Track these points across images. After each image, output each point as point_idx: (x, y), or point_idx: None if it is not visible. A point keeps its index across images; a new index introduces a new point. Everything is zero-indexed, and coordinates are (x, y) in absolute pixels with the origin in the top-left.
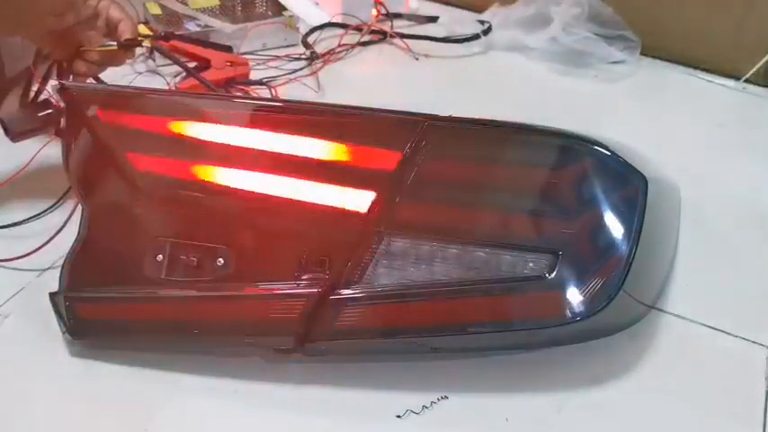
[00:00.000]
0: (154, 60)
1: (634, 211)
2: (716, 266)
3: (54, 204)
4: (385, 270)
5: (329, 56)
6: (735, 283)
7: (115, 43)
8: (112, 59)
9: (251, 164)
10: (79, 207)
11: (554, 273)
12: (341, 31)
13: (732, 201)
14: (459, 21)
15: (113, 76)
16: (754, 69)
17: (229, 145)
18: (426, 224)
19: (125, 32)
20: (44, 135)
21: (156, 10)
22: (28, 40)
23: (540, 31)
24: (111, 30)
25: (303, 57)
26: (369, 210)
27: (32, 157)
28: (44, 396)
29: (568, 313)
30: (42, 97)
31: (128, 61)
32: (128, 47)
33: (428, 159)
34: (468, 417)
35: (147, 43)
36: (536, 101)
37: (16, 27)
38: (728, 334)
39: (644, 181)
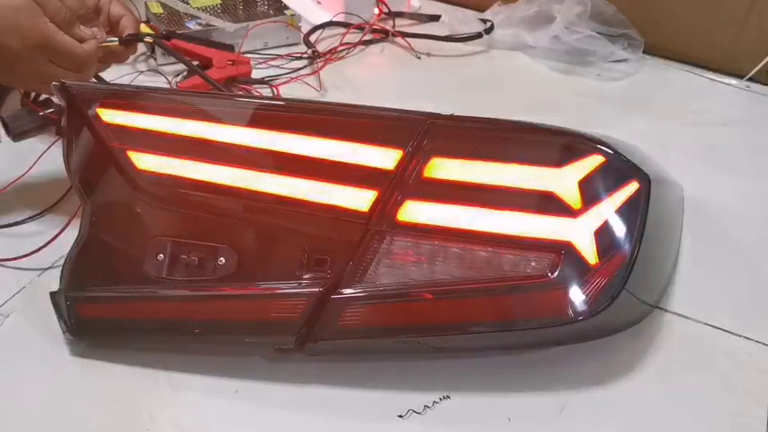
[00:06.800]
0: (155, 59)
1: (637, 211)
2: (719, 266)
3: (55, 203)
4: (386, 269)
5: (331, 55)
6: (738, 282)
7: (117, 40)
8: (114, 56)
9: (252, 163)
10: (80, 206)
11: (556, 272)
12: (343, 29)
13: (735, 200)
14: (461, 19)
15: (114, 74)
16: (758, 68)
17: (231, 144)
18: (428, 223)
19: (127, 28)
20: (44, 134)
21: (157, 9)
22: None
23: (543, 29)
24: (113, 26)
25: (305, 56)
26: (370, 209)
27: (37, 159)
28: (44, 395)
29: (571, 313)
30: (43, 96)
31: (129, 60)
32: (129, 43)
33: (430, 158)
34: (470, 416)
35: (148, 39)
36: (538, 100)
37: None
38: (731, 333)
39: (647, 180)
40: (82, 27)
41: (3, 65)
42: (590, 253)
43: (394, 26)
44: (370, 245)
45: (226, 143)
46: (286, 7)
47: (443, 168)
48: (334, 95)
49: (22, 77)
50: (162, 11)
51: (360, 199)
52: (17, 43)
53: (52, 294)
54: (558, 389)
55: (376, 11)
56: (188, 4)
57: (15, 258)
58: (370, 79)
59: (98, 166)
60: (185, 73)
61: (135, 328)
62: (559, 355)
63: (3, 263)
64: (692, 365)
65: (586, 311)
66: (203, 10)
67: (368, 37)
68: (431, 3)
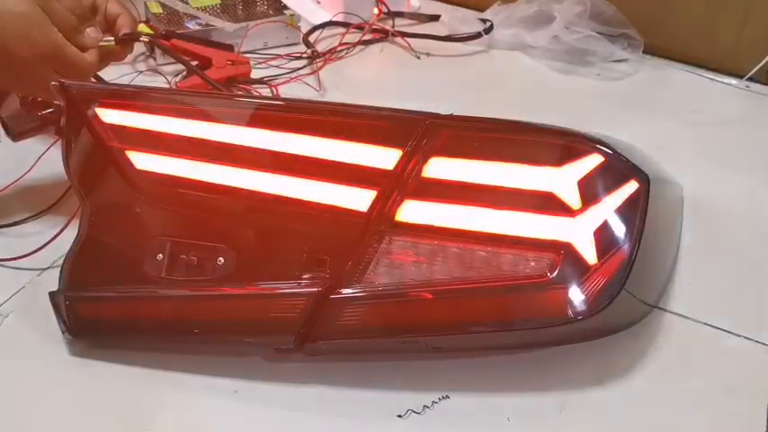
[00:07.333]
0: (154, 59)
1: (636, 210)
2: (718, 265)
3: (54, 203)
4: (386, 269)
5: (330, 55)
6: (737, 282)
7: (113, 39)
8: (112, 56)
9: (252, 163)
10: (80, 206)
11: (556, 272)
12: (342, 29)
13: (734, 199)
14: (460, 19)
15: (113, 74)
16: (758, 68)
17: (230, 144)
18: (427, 223)
19: (123, 27)
20: (44, 135)
21: (156, 9)
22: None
23: (542, 29)
24: (109, 25)
25: (304, 56)
26: (369, 209)
27: (37, 159)
28: (44, 395)
29: (570, 312)
30: None
31: (128, 60)
32: (126, 42)
33: (429, 158)
34: (469, 416)
35: (144, 38)
36: (538, 99)
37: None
38: (731, 333)
39: (646, 180)
40: (86, 31)
41: (9, 73)
42: (589, 253)
43: (393, 26)
44: (370, 244)
45: (225, 143)
46: (285, 7)
47: (443, 168)
48: (334, 95)
49: (24, 84)
50: (161, 11)
51: (359, 199)
52: (26, 52)
53: (51, 294)
54: (557, 389)
55: (375, 11)
56: (187, 3)
57: (15, 258)
58: (370, 79)
59: (97, 165)
60: (185, 73)
61: (134, 329)
62: (559, 354)
63: (3, 263)
64: (692, 365)
65: (586, 311)
66: (203, 10)
67: (367, 37)
68: (430, 3)
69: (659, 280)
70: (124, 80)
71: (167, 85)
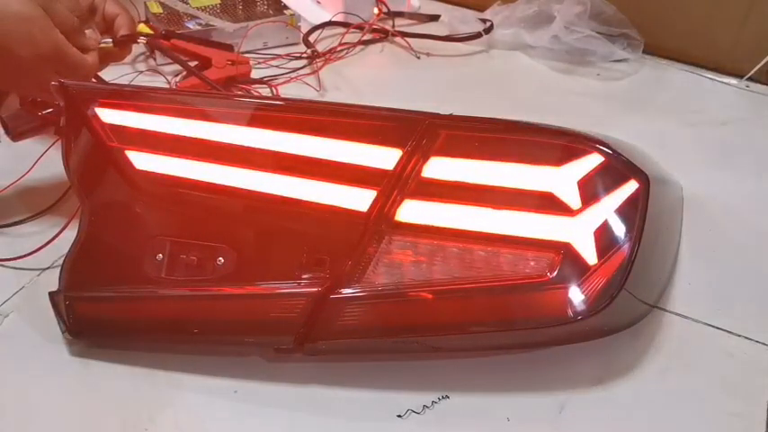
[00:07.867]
0: (154, 59)
1: (636, 210)
2: (718, 265)
3: (54, 203)
4: (385, 269)
5: (330, 55)
6: (737, 282)
7: (111, 40)
8: (110, 57)
9: (251, 163)
10: (80, 206)
11: (555, 272)
12: (342, 29)
13: (734, 199)
14: (460, 19)
15: (113, 74)
16: (758, 68)
17: (230, 144)
18: (427, 223)
19: (122, 28)
20: (44, 135)
21: (156, 8)
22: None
23: (542, 29)
24: (108, 25)
25: (304, 55)
26: (369, 209)
27: (37, 159)
28: (44, 395)
29: (570, 312)
30: None
31: (128, 60)
32: (124, 43)
33: (429, 158)
34: (469, 416)
35: (142, 39)
36: (538, 99)
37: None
38: (731, 333)
39: (646, 180)
40: (86, 32)
41: (10, 73)
42: (589, 253)
43: (393, 26)
44: (370, 244)
45: (225, 143)
46: (286, 7)
47: (442, 168)
48: (334, 95)
49: (24, 84)
50: (161, 11)
51: (359, 199)
52: (27, 53)
53: (51, 294)
54: (557, 389)
55: (375, 11)
56: (187, 3)
57: (15, 258)
58: (370, 79)
59: (97, 165)
60: (185, 73)
61: (134, 328)
62: (559, 355)
63: (3, 263)
64: (691, 365)
65: (585, 311)
66: (203, 10)
67: (367, 37)
68: (430, 2)
69: (659, 280)
70: (124, 80)
71: (167, 85)
